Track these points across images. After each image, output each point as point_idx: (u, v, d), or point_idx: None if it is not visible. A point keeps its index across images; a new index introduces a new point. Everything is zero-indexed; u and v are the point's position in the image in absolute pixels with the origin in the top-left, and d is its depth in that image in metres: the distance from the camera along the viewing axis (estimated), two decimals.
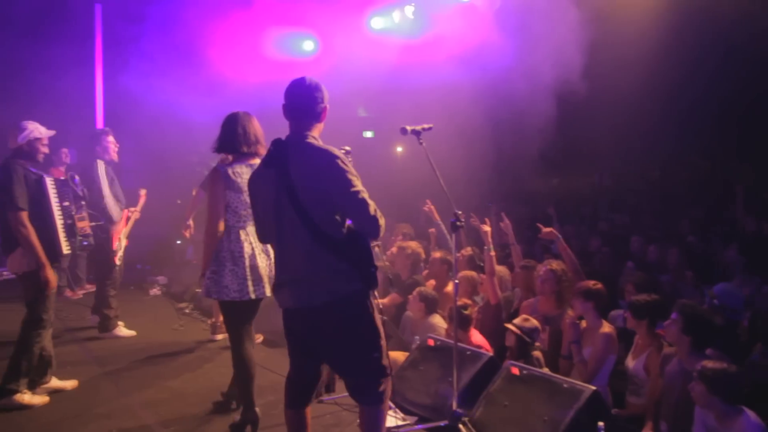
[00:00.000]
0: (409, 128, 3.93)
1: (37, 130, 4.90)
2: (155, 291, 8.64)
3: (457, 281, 4.21)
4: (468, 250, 6.38)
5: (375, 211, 3.15)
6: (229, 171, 4.23)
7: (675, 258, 7.39)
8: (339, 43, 9.79)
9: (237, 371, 4.33)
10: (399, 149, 15.15)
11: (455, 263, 4.24)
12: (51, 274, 4.74)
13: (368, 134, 14.27)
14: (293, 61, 10.15)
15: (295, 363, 3.46)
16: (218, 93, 9.89)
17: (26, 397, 4.68)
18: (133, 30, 10.23)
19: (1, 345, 5.42)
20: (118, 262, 6.59)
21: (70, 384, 5.08)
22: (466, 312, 4.94)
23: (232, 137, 4.25)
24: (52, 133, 5.00)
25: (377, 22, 9.77)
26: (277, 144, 3.28)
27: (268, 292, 4.23)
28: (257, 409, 4.23)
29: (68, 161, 8.60)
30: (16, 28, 9.85)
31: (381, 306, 3.51)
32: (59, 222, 4.91)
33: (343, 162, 3.15)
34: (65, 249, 4.94)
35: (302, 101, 3.29)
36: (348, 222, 3.22)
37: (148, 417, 4.57)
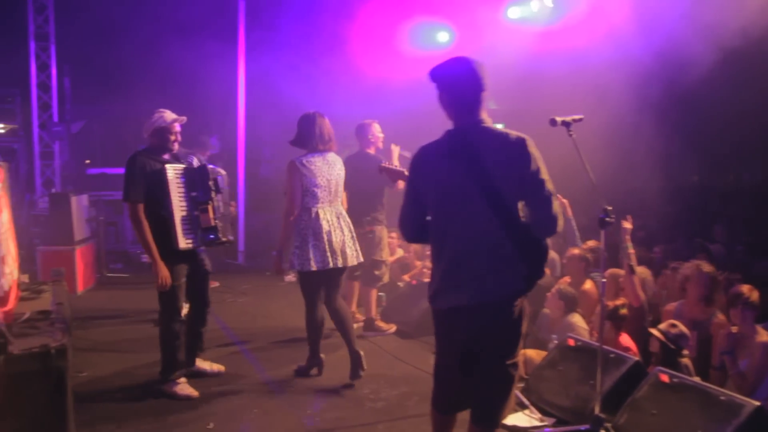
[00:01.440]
0: (558, 119, 3.77)
1: (162, 118, 4.75)
2: (290, 277, 8.92)
3: (604, 279, 4.02)
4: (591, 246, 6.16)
5: (558, 209, 2.94)
6: (304, 161, 4.92)
7: None
8: (475, 33, 9.64)
9: (336, 322, 5.14)
10: None
11: (603, 261, 4.04)
12: (162, 269, 4.60)
13: (499, 126, 14.05)
14: (427, 53, 10.12)
15: (447, 366, 3.21)
16: (353, 87, 10.09)
17: (180, 387, 4.74)
18: (273, 21, 10.60)
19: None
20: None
21: (216, 367, 5.23)
22: (622, 311, 4.73)
23: (310, 136, 4.96)
24: (183, 119, 4.80)
25: (514, 12, 9.54)
26: (453, 134, 3.08)
27: (340, 263, 4.95)
28: (322, 355, 5.21)
29: (214, 150, 9.02)
30: (169, 23, 10.47)
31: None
32: (179, 214, 4.67)
33: (532, 145, 2.94)
34: (182, 244, 4.66)
35: (469, 85, 3.05)
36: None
37: (284, 399, 4.74)
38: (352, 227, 5.14)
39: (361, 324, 6.46)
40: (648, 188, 10.86)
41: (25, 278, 5.95)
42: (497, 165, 2.94)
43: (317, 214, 4.93)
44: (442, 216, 3.10)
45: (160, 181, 4.63)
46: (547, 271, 6.52)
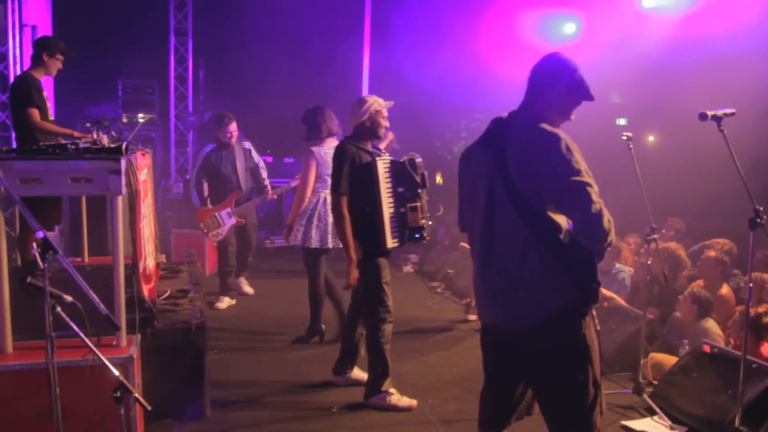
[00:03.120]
0: (709, 113, 3.55)
1: (376, 102, 4.48)
2: (408, 268, 9.00)
3: (751, 284, 3.77)
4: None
5: (600, 210, 2.57)
6: (321, 151, 5.48)
7: None
8: (605, 23, 9.28)
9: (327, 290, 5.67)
10: (651, 138, 14.09)
11: (750, 264, 3.79)
12: (354, 271, 4.36)
13: (621, 121, 13.50)
14: (553, 45, 9.86)
15: (492, 381, 3.02)
16: (477, 79, 9.98)
17: (394, 398, 4.43)
18: (398, 12, 10.67)
19: None
20: (211, 238, 6.98)
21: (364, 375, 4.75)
22: (765, 319, 4.44)
23: (318, 127, 5.54)
24: (390, 104, 4.56)
25: (649, 1, 9.08)
26: (496, 123, 2.86)
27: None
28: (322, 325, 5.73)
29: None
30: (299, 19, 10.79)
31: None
32: (388, 212, 4.37)
33: (567, 146, 2.61)
34: (390, 243, 4.39)
35: (540, 78, 2.82)
36: (569, 227, 2.69)
37: (407, 388, 4.77)
38: None
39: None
40: None
41: (163, 258, 6.35)
42: (519, 158, 2.69)
43: (324, 199, 5.45)
44: (471, 208, 2.91)
45: (369, 175, 4.35)
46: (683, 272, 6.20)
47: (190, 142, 12.10)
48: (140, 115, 11.48)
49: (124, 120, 11.08)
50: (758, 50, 7.31)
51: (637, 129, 13.19)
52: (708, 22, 7.97)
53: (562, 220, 2.67)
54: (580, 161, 2.61)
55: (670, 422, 4.19)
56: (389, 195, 4.39)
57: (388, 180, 4.40)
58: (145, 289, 4.20)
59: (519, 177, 2.66)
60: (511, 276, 2.72)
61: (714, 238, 6.60)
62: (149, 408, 2.93)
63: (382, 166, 4.38)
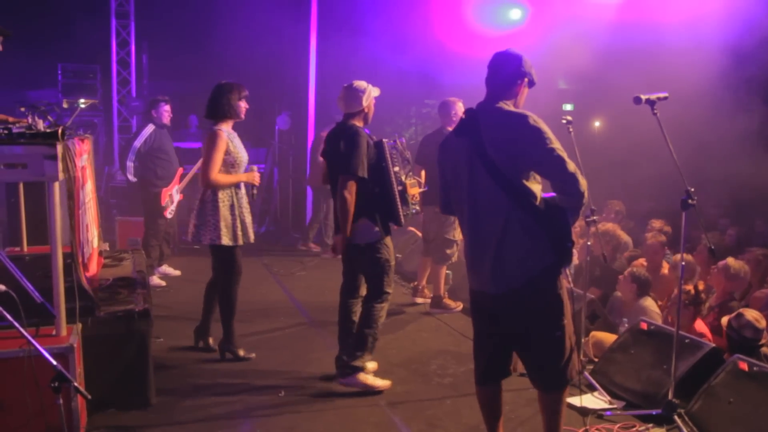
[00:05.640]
0: (643, 97, 3.68)
1: (372, 89, 4.55)
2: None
3: (683, 263, 3.91)
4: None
5: (575, 170, 2.98)
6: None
7: None
8: (550, 9, 9.41)
9: None
10: (597, 123, 14.42)
11: (683, 244, 3.93)
12: (341, 245, 4.41)
13: (567, 107, 13.75)
14: (499, 32, 9.94)
15: (482, 340, 3.38)
16: (424, 66, 10.02)
17: (369, 378, 4.47)
18: None
19: None
20: (168, 215, 7.20)
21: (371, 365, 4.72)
22: (699, 297, 4.62)
23: (227, 107, 4.83)
24: (379, 91, 4.60)
25: None
26: (468, 113, 3.25)
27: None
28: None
29: (285, 126, 9.18)
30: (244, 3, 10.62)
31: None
32: (396, 190, 4.48)
33: (535, 120, 3.04)
34: (402, 219, 4.52)
35: (501, 74, 3.22)
36: (544, 195, 3.09)
37: None
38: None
39: (429, 300, 6.50)
40: (725, 174, 10.48)
41: (106, 246, 6.23)
42: (496, 140, 3.06)
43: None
44: (457, 190, 3.29)
45: (379, 157, 4.42)
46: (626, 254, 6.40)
47: (134, 127, 11.81)
48: (81, 100, 11.17)
49: (65, 105, 10.79)
50: (697, 39, 7.56)
51: (584, 114, 13.53)
52: (649, 8, 8.18)
53: (538, 189, 3.08)
54: (548, 131, 3.03)
55: (609, 398, 4.32)
56: (392, 174, 4.48)
57: (391, 161, 4.49)
58: (86, 278, 4.11)
59: (498, 156, 3.04)
60: (497, 245, 3.08)
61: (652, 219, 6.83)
62: (89, 397, 2.89)
63: (388, 147, 4.48)
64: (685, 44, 7.51)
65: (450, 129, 6.12)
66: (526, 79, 3.23)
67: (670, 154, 3.66)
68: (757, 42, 7.26)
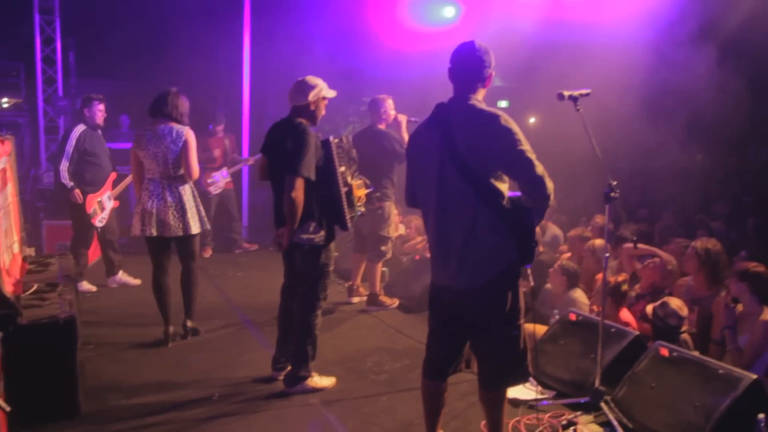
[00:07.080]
0: (566, 93, 3.78)
1: (325, 89, 4.41)
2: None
3: (607, 254, 4.04)
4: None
5: (543, 172, 3.04)
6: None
7: None
8: (483, 6, 9.55)
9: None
10: (532, 120, 14.72)
11: (606, 236, 4.06)
12: (287, 242, 4.27)
13: (502, 104, 13.99)
14: (433, 30, 10.03)
15: (437, 335, 3.43)
16: (360, 64, 10.03)
17: (316, 380, 4.47)
18: None
19: None
20: (97, 224, 6.88)
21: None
22: (623, 287, 4.77)
23: (172, 108, 5.15)
24: (334, 93, 4.52)
25: None
26: (439, 107, 3.24)
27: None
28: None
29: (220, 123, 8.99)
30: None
31: None
32: (343, 190, 4.35)
33: (506, 120, 3.06)
34: (349, 222, 4.40)
35: (469, 65, 3.21)
36: (509, 195, 3.13)
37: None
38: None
39: (365, 298, 6.51)
40: (651, 168, 10.86)
41: (31, 252, 6.02)
42: (467, 138, 3.07)
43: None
44: (424, 185, 3.29)
45: (326, 157, 4.30)
46: (541, 248, 6.56)
47: (62, 128, 11.39)
48: (4, 99, 10.75)
49: None
50: (625, 35, 7.82)
51: (518, 111, 13.78)
52: (577, 7, 8.41)
53: (504, 188, 3.12)
54: (518, 132, 3.05)
55: (540, 388, 4.43)
56: (338, 175, 4.36)
57: (337, 161, 4.37)
58: (8, 284, 3.97)
59: (468, 153, 3.06)
60: (463, 241, 3.11)
61: (581, 214, 7.04)
62: (8, 409, 2.79)
63: (335, 146, 4.36)
64: (611, 42, 7.78)
65: (380, 126, 6.20)
66: (492, 70, 3.25)
67: (593, 149, 3.77)
68: (676, 40, 7.58)
